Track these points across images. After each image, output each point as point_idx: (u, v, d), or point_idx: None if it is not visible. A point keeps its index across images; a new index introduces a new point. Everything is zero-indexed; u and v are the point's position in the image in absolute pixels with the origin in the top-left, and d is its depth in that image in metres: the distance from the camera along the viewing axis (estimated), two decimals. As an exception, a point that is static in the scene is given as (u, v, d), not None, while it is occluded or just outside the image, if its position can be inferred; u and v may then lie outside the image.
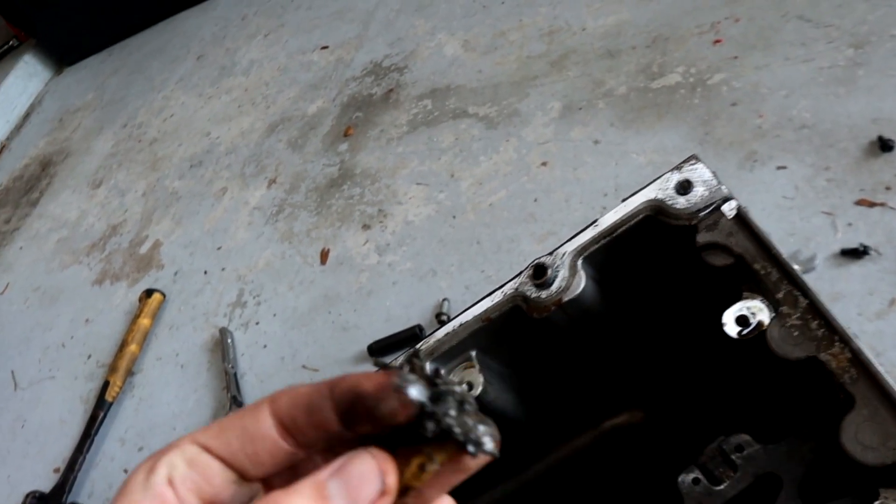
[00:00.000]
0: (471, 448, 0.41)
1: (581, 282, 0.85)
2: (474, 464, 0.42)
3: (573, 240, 0.88)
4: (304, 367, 1.67)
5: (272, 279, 1.89)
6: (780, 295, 0.74)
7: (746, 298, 0.80)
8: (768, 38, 1.50)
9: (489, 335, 0.91)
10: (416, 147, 1.89)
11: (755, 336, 0.78)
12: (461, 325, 0.91)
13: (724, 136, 1.42)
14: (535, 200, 1.60)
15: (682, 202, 0.83)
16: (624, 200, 0.87)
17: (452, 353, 0.92)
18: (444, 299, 1.55)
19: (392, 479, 0.41)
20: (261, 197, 2.10)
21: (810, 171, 1.31)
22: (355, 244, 1.80)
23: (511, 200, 1.63)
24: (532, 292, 0.86)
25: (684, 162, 0.85)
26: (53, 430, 2.04)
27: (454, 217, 1.69)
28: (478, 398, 0.89)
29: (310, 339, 1.71)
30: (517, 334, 0.92)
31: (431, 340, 0.92)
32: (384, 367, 0.43)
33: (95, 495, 1.81)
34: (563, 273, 0.86)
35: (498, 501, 0.93)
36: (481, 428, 0.41)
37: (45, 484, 1.87)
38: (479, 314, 0.90)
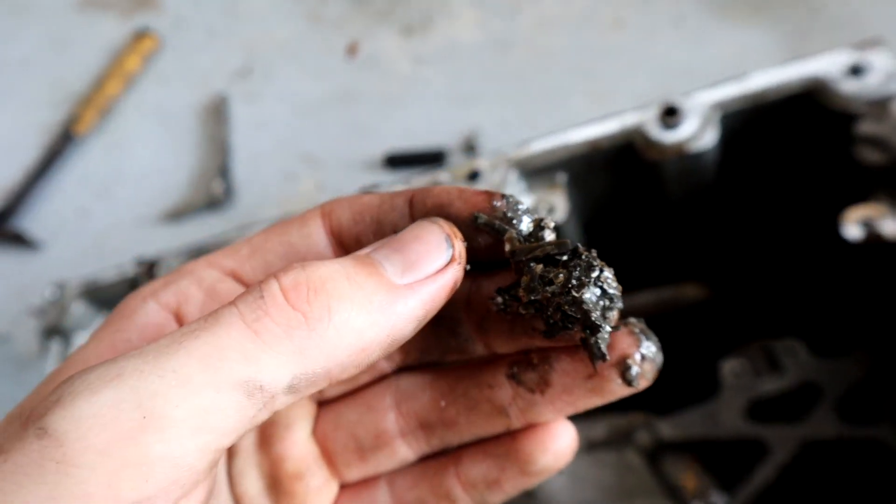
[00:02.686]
0: (599, 351, 0.31)
1: (712, 136, 0.78)
2: (612, 388, 0.32)
3: (713, 89, 0.80)
4: (306, 156, 1.55)
5: (287, 58, 1.73)
6: (937, 206, 0.69)
7: (877, 203, 0.75)
8: (895, -36, 1.40)
9: (585, 164, 0.84)
10: (480, -36, 1.72)
11: (870, 244, 0.74)
12: (564, 145, 0.83)
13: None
14: (598, 58, 1.49)
15: (851, 85, 0.75)
16: (781, 66, 0.79)
17: (539, 171, 0.84)
18: (477, 129, 1.45)
19: (461, 246, 0.32)
20: (291, -33, 1.89)
21: None
22: (390, 47, 1.65)
23: (572, 51, 1.52)
24: (656, 132, 0.78)
25: (866, 42, 0.77)
26: (4, 152, 1.87)
27: (506, 50, 1.56)
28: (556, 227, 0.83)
29: (317, 131, 1.59)
30: (614, 172, 0.85)
31: (523, 152, 0.84)
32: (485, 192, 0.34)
33: (45, 228, 1.68)
34: (695, 120, 0.78)
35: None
36: (643, 339, 0.32)
37: (-13, 203, 1.73)
38: (589, 140, 0.82)
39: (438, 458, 0.37)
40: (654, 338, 0.33)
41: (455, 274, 0.31)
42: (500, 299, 0.33)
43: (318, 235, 0.35)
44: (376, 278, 0.29)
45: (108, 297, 0.96)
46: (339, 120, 1.58)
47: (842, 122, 0.75)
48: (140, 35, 1.84)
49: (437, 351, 0.36)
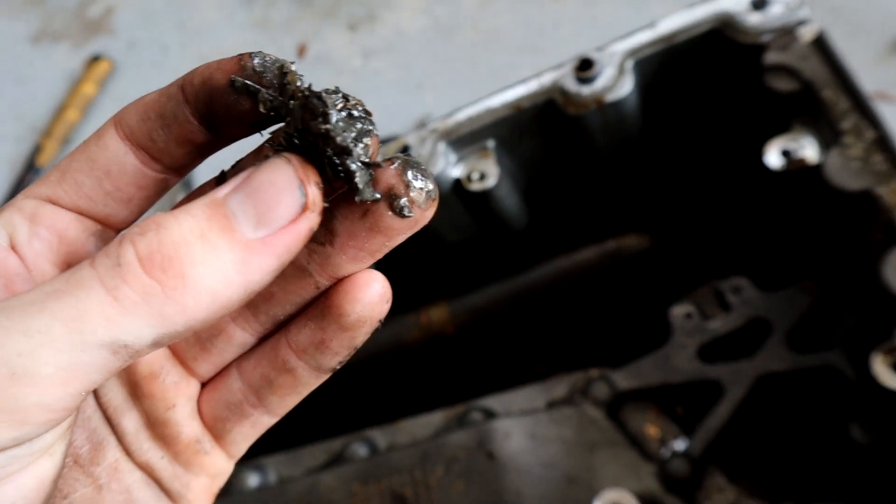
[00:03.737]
0: (362, 188, 0.31)
1: (628, 84, 0.79)
2: (388, 222, 0.32)
3: (626, 39, 0.81)
4: (265, 161, 1.57)
5: (240, 66, 1.74)
6: (845, 125, 0.69)
7: (796, 131, 0.76)
8: None
9: (512, 127, 0.85)
10: (419, -48, 1.73)
11: (794, 172, 0.75)
12: (487, 110, 0.84)
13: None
14: (542, 32, 1.50)
15: (755, 18, 0.76)
16: (688, 7, 0.80)
17: (468, 139, 0.85)
18: (428, 114, 1.46)
19: (315, 192, 0.31)
20: (236, -23, 1.91)
21: (834, 51, 1.26)
22: (338, 44, 1.66)
23: (516, 27, 1.53)
24: (573, 86, 0.79)
25: (766, -26, 0.78)
26: (-27, 190, 1.88)
27: (452, 33, 1.58)
28: (488, 192, 0.84)
29: (275, 135, 1.60)
30: (541, 133, 0.86)
31: (450, 122, 0.85)
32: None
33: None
34: (610, 71, 0.79)
35: (488, 303, 0.90)
36: (408, 170, 0.32)
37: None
38: (510, 102, 0.83)
39: (274, 335, 0.38)
40: (420, 166, 0.32)
41: (309, 222, 0.31)
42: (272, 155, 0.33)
43: (114, 144, 0.36)
44: (229, 235, 0.30)
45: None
46: (294, 121, 1.60)
47: (751, 55, 0.76)
48: (93, 61, 1.86)
49: None
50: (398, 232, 0.33)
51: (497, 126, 0.83)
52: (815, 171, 0.73)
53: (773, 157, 0.74)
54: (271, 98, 0.33)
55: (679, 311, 0.88)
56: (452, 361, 0.98)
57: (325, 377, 0.38)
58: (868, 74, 1.22)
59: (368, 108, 0.32)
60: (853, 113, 0.69)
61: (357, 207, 0.32)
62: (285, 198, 0.30)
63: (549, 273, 0.89)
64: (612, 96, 0.78)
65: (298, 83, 0.33)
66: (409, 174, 0.32)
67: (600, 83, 0.78)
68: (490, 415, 0.92)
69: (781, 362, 0.83)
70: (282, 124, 0.34)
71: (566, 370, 0.97)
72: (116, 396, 0.38)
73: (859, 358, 0.78)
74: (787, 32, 0.74)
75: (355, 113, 0.31)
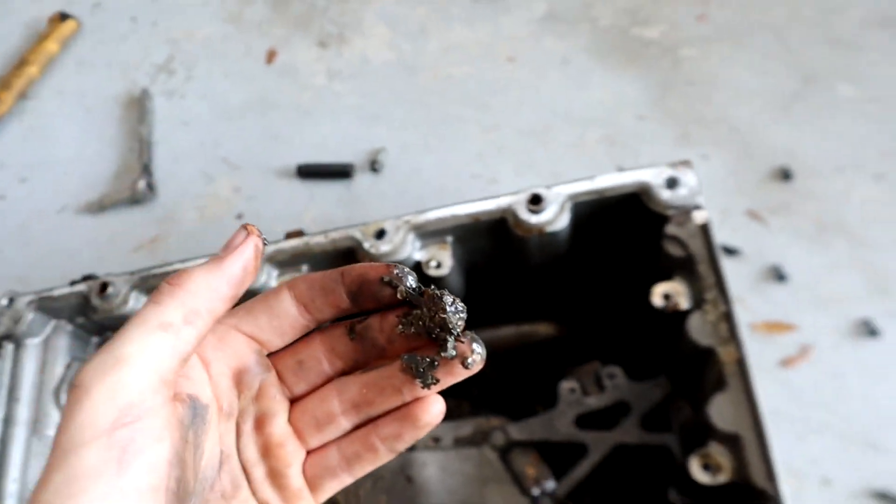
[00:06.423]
0: (451, 349, 0.49)
1: (565, 220, 1.02)
2: (458, 371, 0.50)
3: (570, 184, 1.04)
4: (224, 159, 1.70)
5: (209, 58, 1.84)
6: (708, 296, 0.96)
7: (677, 282, 1.02)
8: (741, 38, 1.67)
9: (468, 231, 1.06)
10: (394, -15, 1.87)
11: (669, 312, 1.01)
12: (452, 215, 1.05)
13: (674, 108, 1.60)
14: (492, 91, 1.69)
15: (666, 194, 1.01)
16: (621, 171, 1.04)
17: (432, 233, 1.06)
18: (382, 148, 1.64)
19: (251, 228, 0.51)
20: (213, -38, 1.98)
21: (723, 172, 1.53)
22: (306, 58, 1.80)
23: (469, 80, 1.71)
24: (523, 214, 1.02)
25: (681, 163, 1.03)
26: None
27: (412, 73, 1.74)
28: (441, 278, 1.06)
29: (236, 135, 1.73)
30: (489, 238, 1.08)
31: (421, 218, 1.06)
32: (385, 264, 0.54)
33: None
34: (554, 207, 1.02)
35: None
36: (474, 343, 0.50)
37: None
38: (471, 213, 1.04)
39: (365, 425, 0.57)
40: (481, 342, 0.52)
41: (254, 241, 0.50)
42: (399, 325, 0.53)
43: (287, 300, 0.54)
44: (210, 260, 0.50)
45: (58, 307, 1.12)
46: (255, 125, 1.72)
47: (658, 220, 1.01)
48: (60, 19, 1.89)
49: (363, 360, 0.56)
50: (461, 376, 0.52)
51: (457, 228, 1.05)
52: (684, 315, 0.99)
53: (657, 298, 1.00)
54: (407, 291, 0.52)
55: (566, 385, 1.14)
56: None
57: (394, 455, 0.58)
58: (748, 195, 1.50)
59: (463, 304, 0.52)
60: (715, 288, 0.95)
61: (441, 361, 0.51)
62: (237, 236, 0.51)
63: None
64: (551, 228, 1.01)
65: (424, 287, 0.52)
66: (475, 345, 0.51)
67: (544, 216, 1.01)
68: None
69: (633, 437, 1.11)
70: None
71: (473, 413, 1.21)
72: (252, 455, 0.56)
73: (685, 448, 1.07)
74: (685, 212, 1.00)
75: (459, 307, 0.51)
